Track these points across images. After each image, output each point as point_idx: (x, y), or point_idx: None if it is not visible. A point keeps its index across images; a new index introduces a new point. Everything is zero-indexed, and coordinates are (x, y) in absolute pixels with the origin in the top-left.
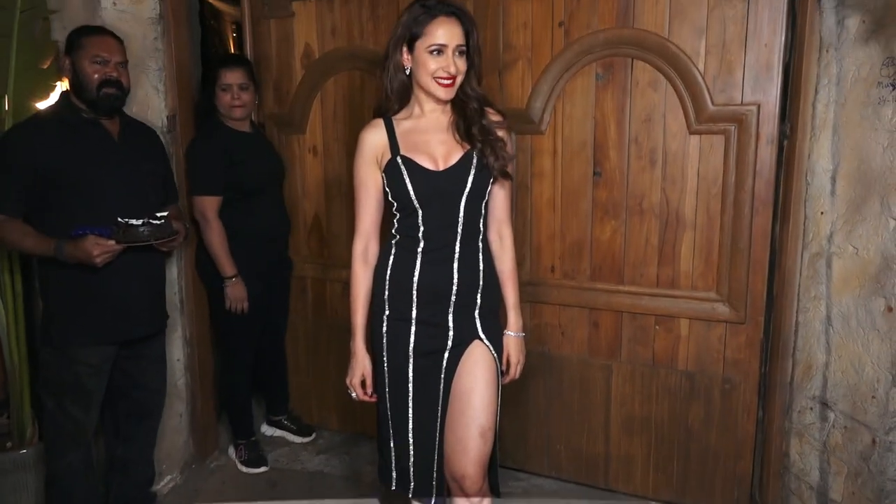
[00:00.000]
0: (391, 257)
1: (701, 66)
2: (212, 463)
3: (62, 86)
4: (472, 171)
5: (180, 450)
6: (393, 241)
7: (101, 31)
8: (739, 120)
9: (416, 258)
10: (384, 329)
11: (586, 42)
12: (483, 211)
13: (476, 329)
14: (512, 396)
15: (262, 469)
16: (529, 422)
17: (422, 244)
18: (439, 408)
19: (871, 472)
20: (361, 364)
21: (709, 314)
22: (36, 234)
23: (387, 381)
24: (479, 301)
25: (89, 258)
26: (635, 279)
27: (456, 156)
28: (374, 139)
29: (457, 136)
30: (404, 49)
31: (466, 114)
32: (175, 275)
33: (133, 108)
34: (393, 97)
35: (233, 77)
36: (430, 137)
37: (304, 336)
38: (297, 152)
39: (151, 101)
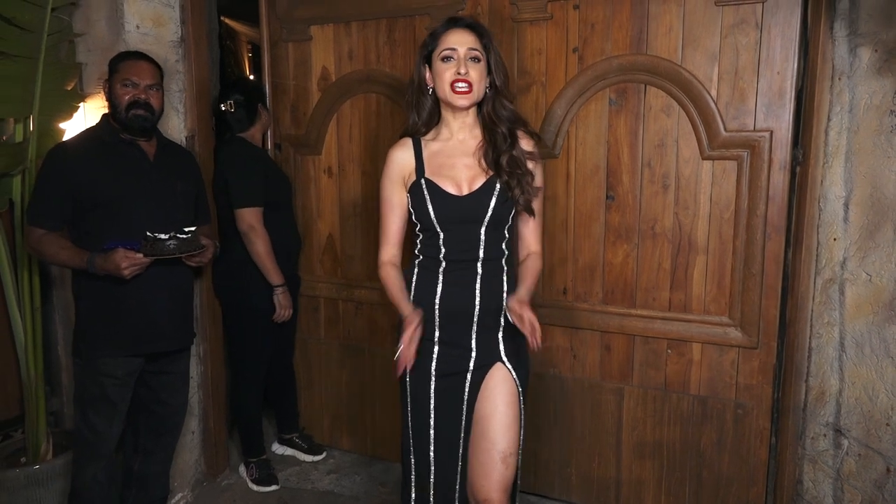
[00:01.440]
0: (414, 277)
1: (714, 93)
2: (223, 481)
3: (98, 108)
4: (494, 199)
5: (192, 467)
6: (416, 262)
7: (136, 55)
8: (752, 146)
9: (437, 279)
10: None
11: (600, 68)
12: (507, 234)
13: (499, 351)
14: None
15: (273, 488)
16: (541, 444)
17: (443, 265)
18: (462, 430)
19: (886, 500)
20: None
21: (721, 339)
22: (72, 247)
23: (409, 400)
24: (502, 322)
25: (118, 270)
26: (648, 303)
27: (479, 181)
28: (401, 159)
29: (482, 162)
30: (424, 67)
31: (496, 141)
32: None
33: None
34: (420, 119)
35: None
36: (457, 161)
37: (316, 355)
38: (312, 173)
39: (171, 122)
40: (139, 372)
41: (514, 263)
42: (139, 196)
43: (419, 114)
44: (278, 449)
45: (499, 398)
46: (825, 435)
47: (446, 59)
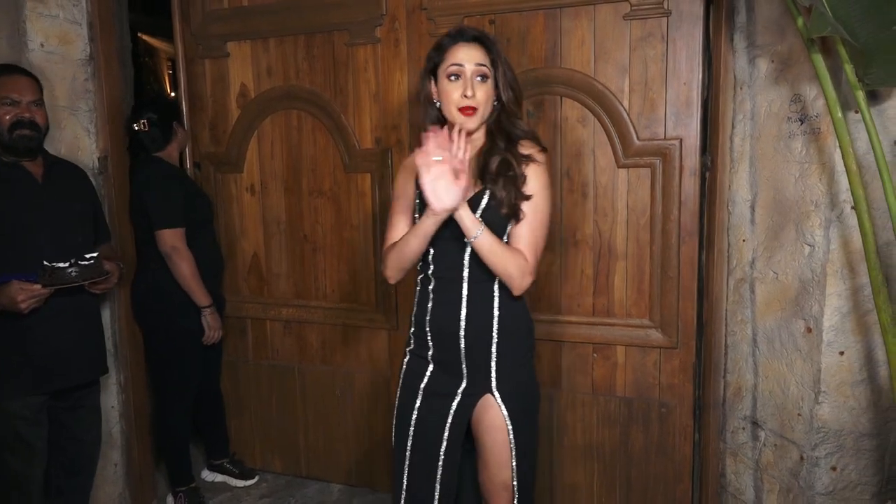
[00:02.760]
0: (416, 294)
1: (626, 103)
2: None
3: None
4: (479, 212)
5: (115, 501)
6: (418, 278)
7: (11, 69)
8: (664, 154)
9: (429, 296)
10: (405, 361)
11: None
12: None
13: (490, 381)
14: None
15: None
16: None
17: (433, 283)
18: (441, 455)
19: (801, 487)
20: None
21: (643, 340)
22: None
23: (394, 416)
24: (494, 351)
25: (14, 304)
26: (573, 309)
27: (468, 195)
28: (412, 166)
29: (474, 172)
30: (431, 81)
31: (492, 150)
32: (108, 319)
33: (62, 150)
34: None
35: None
36: None
37: (244, 377)
38: (234, 191)
39: (82, 143)
40: (48, 408)
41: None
42: (30, 221)
43: (425, 126)
44: (208, 476)
45: (491, 434)
46: (744, 428)
47: (453, 76)
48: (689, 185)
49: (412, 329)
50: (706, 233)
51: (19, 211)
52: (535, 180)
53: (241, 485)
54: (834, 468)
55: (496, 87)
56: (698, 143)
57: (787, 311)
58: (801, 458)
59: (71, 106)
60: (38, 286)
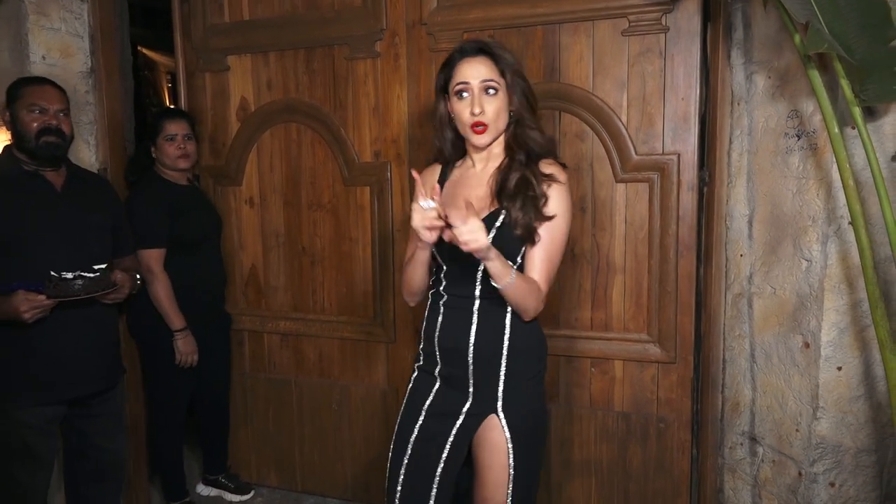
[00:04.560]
0: (426, 309)
1: (624, 118)
2: None
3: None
4: (494, 231)
5: None
6: (430, 292)
7: (40, 80)
8: (662, 168)
9: (439, 311)
10: (412, 377)
11: None
12: None
13: (496, 401)
14: None
15: None
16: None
17: (444, 298)
18: (437, 479)
19: (800, 503)
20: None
21: (641, 355)
22: None
23: (394, 433)
24: (503, 372)
25: (18, 314)
26: (570, 323)
27: (483, 214)
28: (429, 181)
29: (492, 189)
30: (443, 99)
31: (511, 167)
32: None
33: None
34: (445, 148)
35: (177, 127)
36: (471, 192)
37: (241, 390)
38: (233, 204)
39: (82, 154)
40: (64, 418)
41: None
42: (45, 232)
43: (443, 143)
44: (203, 490)
45: (491, 454)
46: (742, 444)
47: (460, 93)
48: (687, 200)
49: (421, 345)
50: (704, 247)
51: (34, 219)
52: (556, 202)
53: (237, 499)
54: (832, 484)
55: (508, 98)
56: (696, 157)
57: (785, 326)
58: (800, 473)
59: (72, 118)
60: (43, 297)
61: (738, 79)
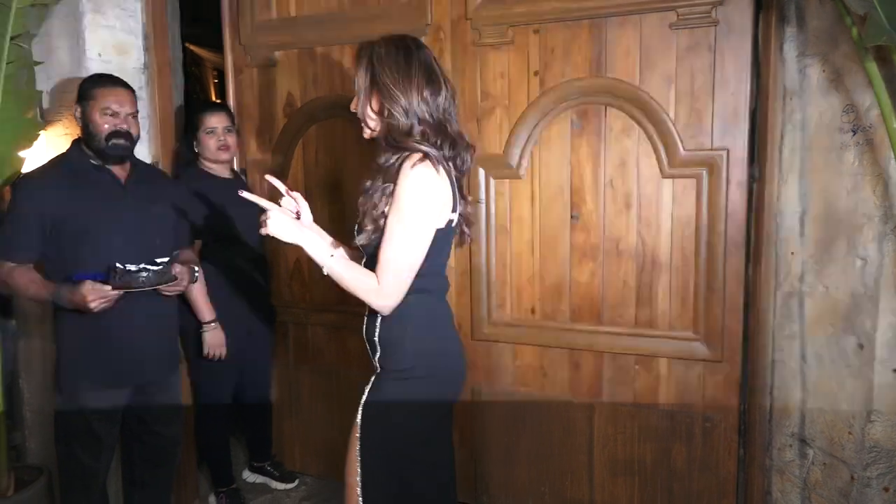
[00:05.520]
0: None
1: (671, 113)
2: None
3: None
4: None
5: None
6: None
7: (113, 81)
8: (710, 164)
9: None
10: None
11: (561, 91)
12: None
13: (363, 393)
14: (496, 437)
15: None
16: (514, 463)
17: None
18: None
19: None
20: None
21: (687, 353)
22: (40, 280)
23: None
24: (377, 366)
25: (84, 303)
26: (614, 320)
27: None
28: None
29: None
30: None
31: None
32: None
33: None
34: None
35: (217, 120)
36: None
37: (286, 381)
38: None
39: (135, 148)
40: (127, 404)
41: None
42: (112, 223)
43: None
44: (249, 477)
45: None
46: (791, 445)
47: None
48: (736, 197)
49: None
50: (753, 245)
51: (100, 212)
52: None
53: (282, 487)
54: (886, 489)
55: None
56: (746, 153)
57: (838, 326)
58: (852, 477)
59: None
60: (108, 287)
61: (791, 73)
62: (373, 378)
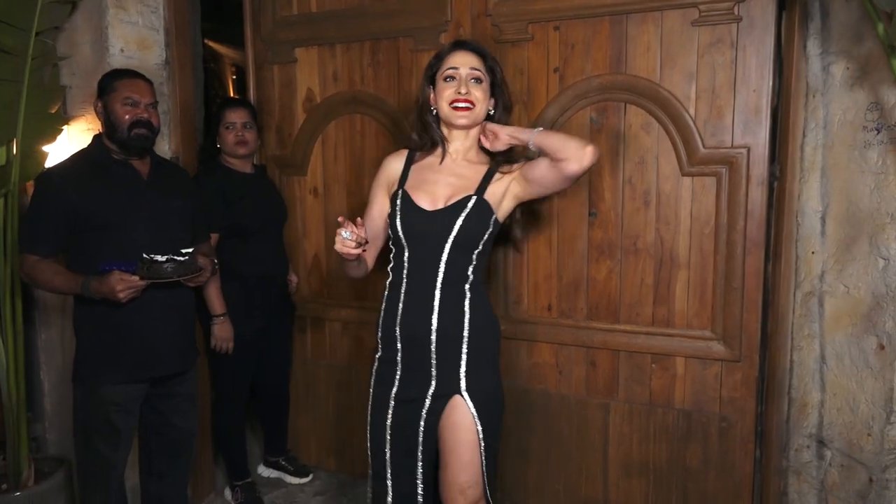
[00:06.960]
0: (384, 297)
1: (692, 111)
2: None
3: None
4: (462, 217)
5: None
6: (387, 281)
7: (132, 73)
8: (730, 162)
9: (399, 298)
10: (374, 368)
11: (580, 87)
12: (475, 260)
13: (459, 383)
14: (511, 435)
15: None
16: (528, 461)
17: (404, 284)
18: (419, 456)
19: None
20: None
21: (704, 353)
22: (66, 272)
23: (368, 422)
24: (464, 352)
25: (113, 293)
26: (631, 318)
27: (455, 199)
28: (392, 166)
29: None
30: (429, 88)
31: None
32: None
33: None
34: (421, 139)
35: (237, 116)
36: (440, 177)
37: (302, 376)
38: (297, 193)
39: (156, 144)
40: (145, 396)
41: (482, 292)
42: (135, 216)
43: (420, 133)
44: (264, 471)
45: (457, 435)
46: (808, 447)
47: (448, 78)
48: (757, 195)
49: (379, 332)
50: (773, 244)
51: (123, 205)
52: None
53: (296, 482)
54: None
55: (493, 94)
56: (767, 151)
57: (859, 326)
58: (871, 480)
59: None
60: (136, 278)
61: (814, 70)
62: (463, 370)
